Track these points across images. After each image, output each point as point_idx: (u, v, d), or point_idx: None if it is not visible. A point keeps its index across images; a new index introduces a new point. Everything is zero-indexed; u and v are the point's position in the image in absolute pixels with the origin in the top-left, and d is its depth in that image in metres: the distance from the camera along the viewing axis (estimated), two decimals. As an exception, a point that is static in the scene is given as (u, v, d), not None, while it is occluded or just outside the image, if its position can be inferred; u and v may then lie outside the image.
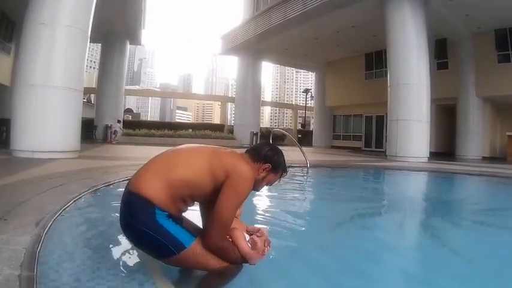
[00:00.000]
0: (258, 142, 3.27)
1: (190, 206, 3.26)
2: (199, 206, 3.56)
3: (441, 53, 29.10)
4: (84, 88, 15.92)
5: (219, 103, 67.30)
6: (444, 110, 29.68)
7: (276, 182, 3.62)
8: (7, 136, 15.21)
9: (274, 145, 3.57)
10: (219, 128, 45.14)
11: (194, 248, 2.98)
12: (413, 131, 20.48)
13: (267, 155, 3.37)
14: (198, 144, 3.44)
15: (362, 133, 37.71)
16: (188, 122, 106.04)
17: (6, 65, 25.43)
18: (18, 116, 13.18)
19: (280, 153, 3.52)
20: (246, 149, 3.52)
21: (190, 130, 39.03)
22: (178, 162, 3.11)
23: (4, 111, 20.14)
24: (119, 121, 32.64)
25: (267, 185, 3.55)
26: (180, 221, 3.10)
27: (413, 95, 20.55)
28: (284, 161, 3.53)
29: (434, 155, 23.72)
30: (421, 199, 9.75)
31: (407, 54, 20.69)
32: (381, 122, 33.86)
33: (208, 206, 3.39)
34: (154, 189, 2.91)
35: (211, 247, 3.04)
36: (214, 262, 3.05)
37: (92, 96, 47.15)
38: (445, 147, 29.56)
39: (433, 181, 14.11)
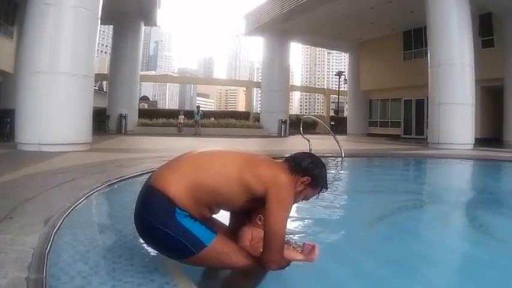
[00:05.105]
0: (299, 152, 3.08)
1: (216, 213, 3.27)
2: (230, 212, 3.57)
3: (486, 30, 28.45)
4: (96, 74, 15.95)
5: (244, 89, 67.16)
6: (490, 92, 29.13)
7: (314, 198, 3.57)
8: (11, 128, 15.29)
9: (317, 157, 3.50)
10: (244, 115, 45.16)
11: (215, 246, 2.96)
12: (456, 115, 20.19)
13: (308, 167, 3.29)
14: (232, 150, 3.41)
15: (401, 119, 37.23)
16: (210, 109, 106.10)
17: (8, 50, 24.96)
18: (23, 106, 13.23)
19: (323, 167, 3.44)
20: (284, 158, 3.45)
21: (213, 119, 39.32)
22: (208, 167, 3.09)
23: (7, 101, 20.28)
24: (198, 106, 36.04)
25: (303, 200, 3.49)
26: (201, 219, 3.08)
27: (456, 76, 20.21)
28: (326, 176, 3.46)
29: (480, 142, 23.28)
30: (467, 190, 9.67)
31: (449, 31, 20.33)
32: (421, 107, 33.39)
33: (239, 214, 3.42)
34: (178, 190, 2.92)
35: (275, 268, 3.04)
36: (237, 260, 3.02)
37: (104, 83, 47.35)
38: (492, 132, 28.95)
39: (480, 170, 13.97)
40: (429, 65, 21.49)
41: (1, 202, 5.20)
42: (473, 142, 20.77)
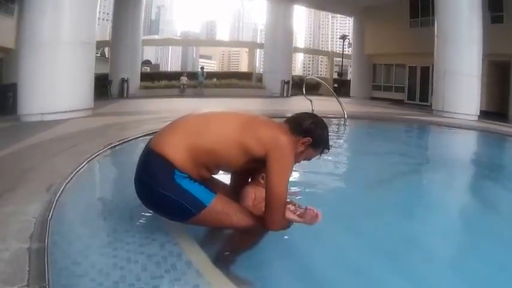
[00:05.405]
0: (300, 112, 3.07)
1: (214, 174, 3.30)
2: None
3: (496, 6, 27.88)
4: (97, 42, 15.91)
5: (247, 50, 67.00)
6: (497, 67, 28.60)
7: (316, 158, 3.56)
8: (14, 101, 15.27)
9: (318, 117, 3.49)
10: (246, 76, 45.21)
11: (215, 206, 2.99)
12: (462, 85, 19.91)
13: (309, 128, 3.28)
14: (232, 111, 3.40)
15: (405, 84, 36.95)
16: (213, 71, 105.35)
17: (10, 28, 24.69)
18: (25, 77, 13.17)
19: (325, 127, 3.42)
20: (285, 119, 3.44)
21: (215, 79, 39.33)
22: (207, 129, 3.09)
23: (9, 76, 20.34)
24: (202, 68, 36.19)
25: (304, 160, 3.49)
26: (200, 180, 3.09)
27: (463, 46, 19.90)
28: (327, 136, 3.44)
29: (485, 114, 23.06)
30: (469, 160, 9.74)
31: (457, 1, 20.02)
32: (426, 74, 33.04)
33: (240, 174, 3.46)
34: (177, 152, 2.93)
35: (277, 229, 3.09)
36: (237, 220, 3.06)
37: (106, 49, 47.11)
38: (497, 106, 28.44)
39: (484, 142, 14.00)
40: (435, 35, 21.24)
41: (5, 173, 5.23)
42: (478, 114, 20.52)
